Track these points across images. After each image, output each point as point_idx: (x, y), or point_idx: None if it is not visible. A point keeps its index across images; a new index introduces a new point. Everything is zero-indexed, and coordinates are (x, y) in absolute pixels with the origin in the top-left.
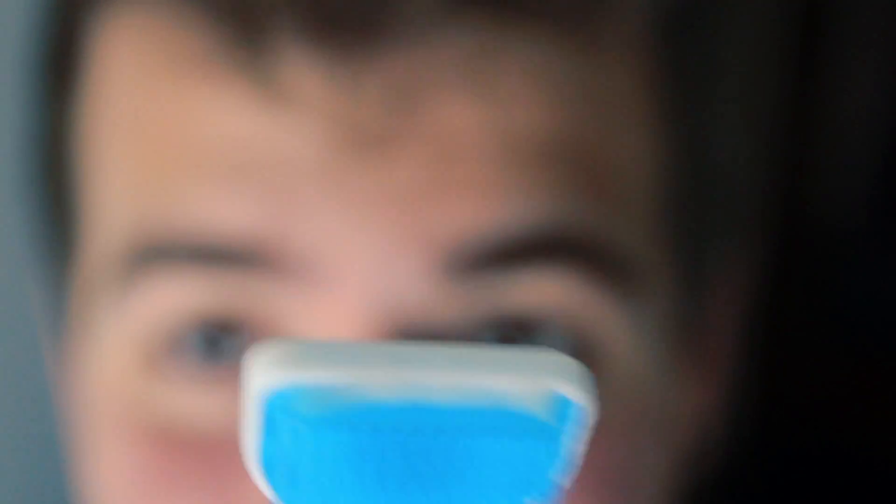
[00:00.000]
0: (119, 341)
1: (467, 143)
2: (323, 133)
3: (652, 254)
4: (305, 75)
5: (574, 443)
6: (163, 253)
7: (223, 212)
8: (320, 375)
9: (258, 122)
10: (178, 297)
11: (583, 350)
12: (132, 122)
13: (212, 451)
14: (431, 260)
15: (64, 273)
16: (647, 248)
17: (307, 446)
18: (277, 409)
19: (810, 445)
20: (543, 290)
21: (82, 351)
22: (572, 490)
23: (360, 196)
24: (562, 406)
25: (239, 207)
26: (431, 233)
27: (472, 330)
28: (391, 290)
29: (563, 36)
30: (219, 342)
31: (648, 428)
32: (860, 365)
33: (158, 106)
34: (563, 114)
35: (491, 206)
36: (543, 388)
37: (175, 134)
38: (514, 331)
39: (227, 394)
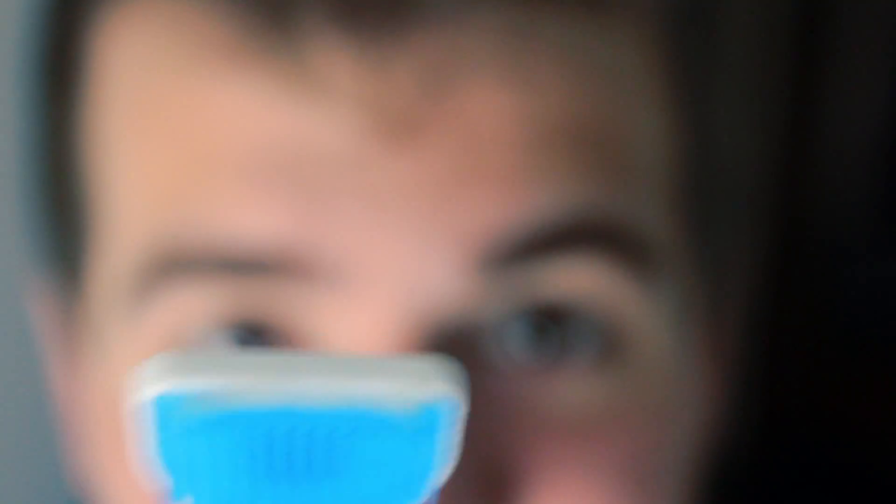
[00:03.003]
0: (136, 350)
1: (497, 130)
2: (353, 120)
3: (671, 237)
4: (335, 59)
5: (444, 443)
6: (185, 267)
7: (250, 219)
8: (201, 382)
9: (286, 111)
10: (201, 304)
11: (611, 335)
12: (144, 120)
13: None
14: (464, 256)
15: (72, 282)
16: (667, 231)
17: (192, 446)
18: (163, 413)
19: (809, 445)
20: (574, 277)
21: (94, 362)
22: (597, 477)
23: (391, 191)
24: (430, 409)
25: (267, 214)
26: (463, 228)
27: (505, 322)
28: (424, 290)
29: (587, 15)
30: (247, 343)
31: (670, 416)
32: (860, 365)
33: (174, 100)
34: (588, 98)
35: (522, 196)
36: (413, 392)
37: (194, 131)
38: (546, 319)
39: None
